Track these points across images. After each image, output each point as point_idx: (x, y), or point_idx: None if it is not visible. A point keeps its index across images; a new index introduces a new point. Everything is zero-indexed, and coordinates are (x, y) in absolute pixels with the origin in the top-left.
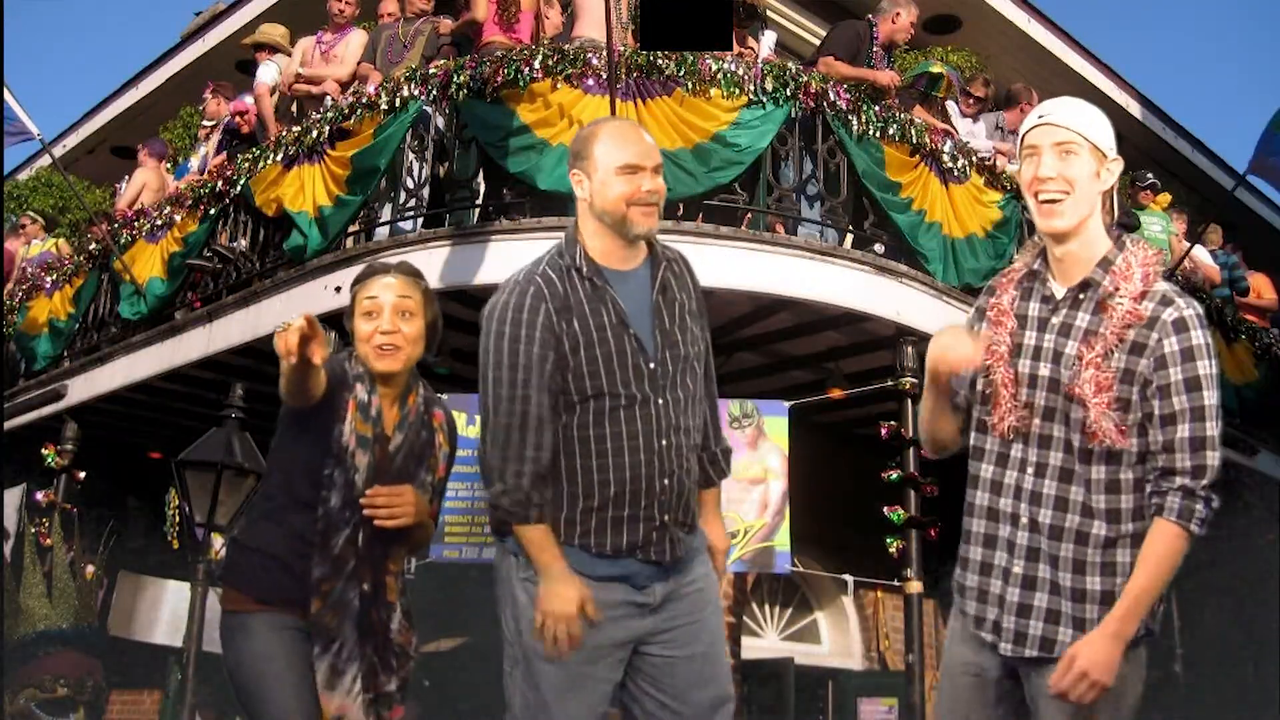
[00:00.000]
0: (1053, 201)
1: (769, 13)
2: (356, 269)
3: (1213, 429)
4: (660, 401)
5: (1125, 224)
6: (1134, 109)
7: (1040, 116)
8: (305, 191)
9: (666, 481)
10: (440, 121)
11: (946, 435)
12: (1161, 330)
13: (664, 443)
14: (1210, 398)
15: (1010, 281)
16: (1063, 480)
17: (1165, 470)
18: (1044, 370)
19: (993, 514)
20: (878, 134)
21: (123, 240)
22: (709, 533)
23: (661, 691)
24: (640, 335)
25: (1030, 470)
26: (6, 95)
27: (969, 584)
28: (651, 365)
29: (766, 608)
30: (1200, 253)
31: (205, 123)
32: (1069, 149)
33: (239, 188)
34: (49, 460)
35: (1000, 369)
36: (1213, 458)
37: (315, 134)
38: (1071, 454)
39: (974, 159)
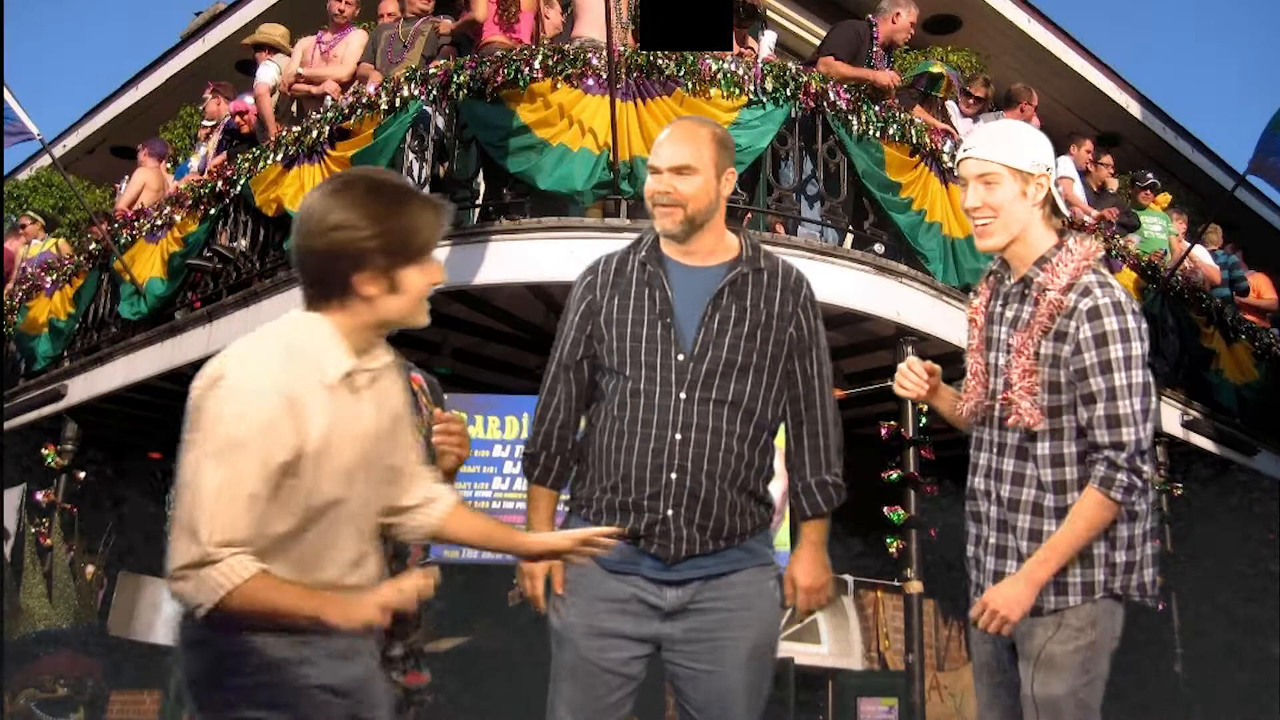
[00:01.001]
0: (983, 225)
1: (769, 13)
2: None
3: (1127, 407)
4: (683, 396)
5: (1125, 224)
6: (1134, 109)
7: (963, 150)
8: (305, 191)
9: (674, 475)
10: (440, 121)
11: (961, 426)
12: (1078, 318)
13: (678, 437)
14: (1124, 378)
15: (984, 282)
16: (1019, 458)
17: (1091, 445)
18: (1000, 359)
19: (974, 492)
20: (878, 134)
21: (123, 240)
22: (793, 565)
23: (688, 702)
24: (681, 327)
25: (994, 450)
26: (6, 95)
27: (968, 554)
28: (681, 357)
29: None
30: (1200, 253)
31: (205, 123)
32: (988, 179)
33: (239, 188)
34: (49, 460)
35: (973, 361)
36: (1130, 433)
37: (315, 134)
38: (1021, 433)
39: None
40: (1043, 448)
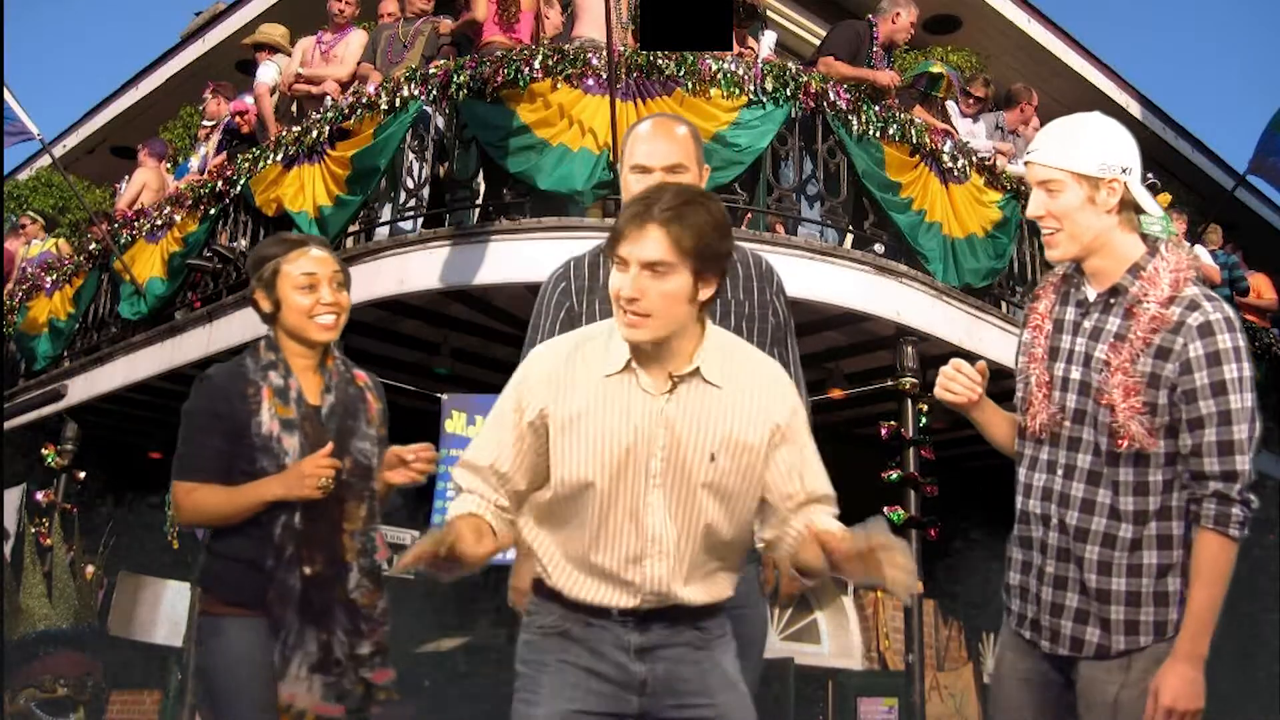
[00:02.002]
0: (1048, 235)
1: (769, 13)
2: (358, 269)
3: (1241, 432)
4: None
5: None
6: (1134, 109)
7: (1027, 153)
8: (305, 191)
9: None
10: (440, 121)
11: (1004, 446)
12: (1187, 335)
13: None
14: (1237, 401)
15: (1050, 286)
16: (1090, 483)
17: (1196, 474)
18: (1075, 373)
19: (1028, 516)
20: (878, 134)
21: (123, 240)
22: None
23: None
24: None
25: (1060, 472)
26: (6, 95)
27: (1012, 583)
28: None
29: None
30: (1200, 253)
31: (205, 123)
32: (1051, 187)
33: (239, 188)
34: (49, 460)
35: (1036, 371)
36: (1242, 461)
37: (315, 134)
38: (1100, 456)
39: (974, 159)
40: (1126, 474)
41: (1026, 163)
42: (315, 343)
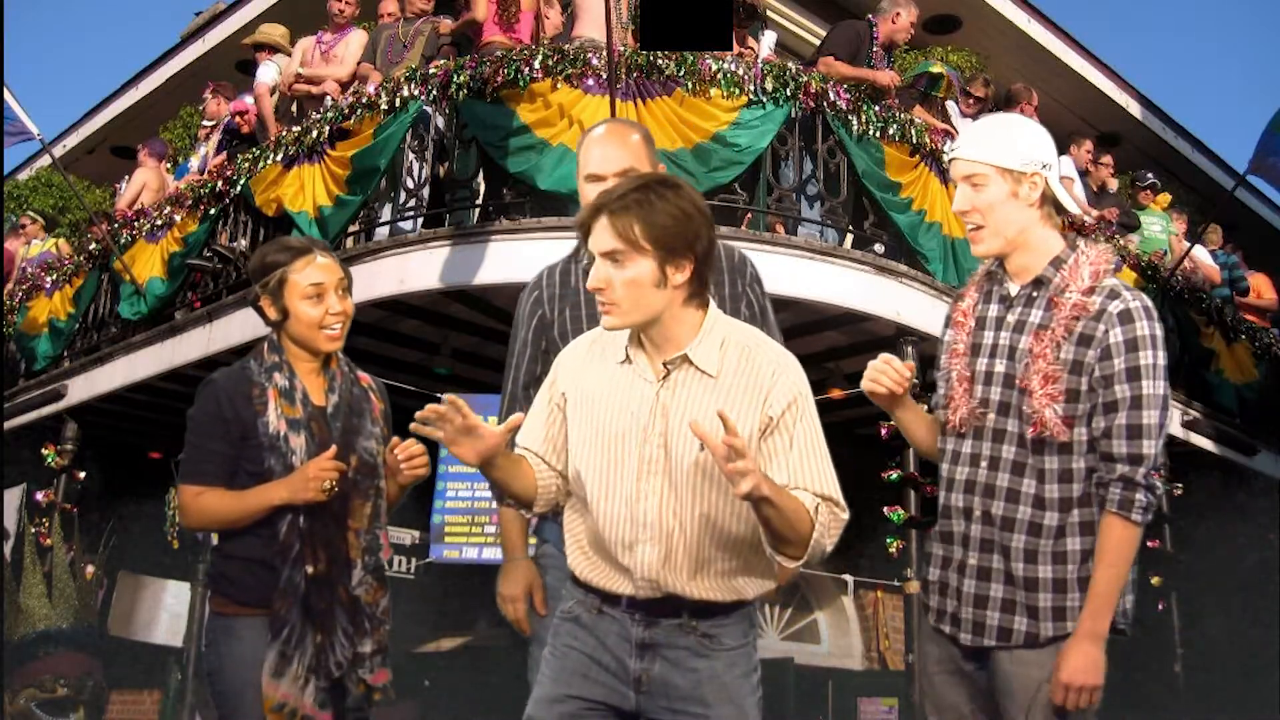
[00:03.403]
0: (973, 230)
1: (769, 13)
2: (358, 269)
3: (1151, 418)
4: None
5: (1125, 224)
6: (1134, 109)
7: (950, 150)
8: (305, 191)
9: None
10: (440, 121)
11: (925, 445)
12: (1107, 321)
13: None
14: (1150, 387)
15: (973, 285)
16: (1014, 473)
17: (1104, 456)
18: (999, 366)
19: (949, 510)
20: (878, 134)
21: (123, 240)
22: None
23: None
24: None
25: (984, 464)
26: (6, 95)
27: (931, 579)
28: None
29: (766, 608)
30: (1200, 253)
31: (205, 123)
32: (975, 181)
33: (239, 188)
34: (49, 460)
35: (958, 367)
36: (1149, 446)
37: (315, 134)
38: (1025, 447)
39: None
40: (1050, 462)
41: (951, 160)
42: (322, 352)
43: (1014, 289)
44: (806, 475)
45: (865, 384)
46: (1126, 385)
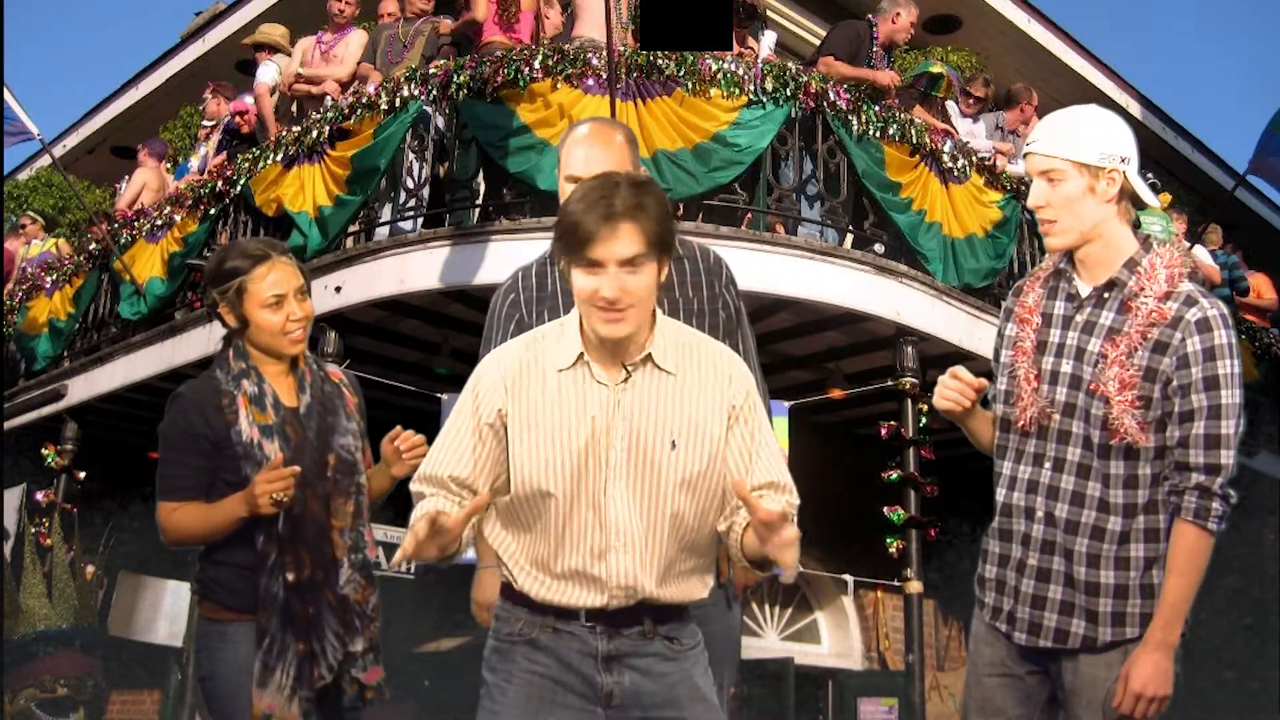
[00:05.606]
0: (1047, 225)
1: (769, 13)
2: (358, 269)
3: (1228, 428)
4: None
5: None
6: (1134, 109)
7: (1027, 144)
8: (305, 191)
9: None
10: (440, 121)
11: (989, 446)
12: (1185, 330)
13: None
14: (1228, 397)
15: (1037, 280)
16: (1080, 475)
17: (1180, 465)
18: (1066, 366)
19: (1010, 509)
20: (878, 134)
21: (123, 240)
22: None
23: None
24: None
25: (1048, 465)
26: (6, 95)
27: (988, 576)
28: None
29: (766, 608)
30: (1200, 253)
31: (205, 123)
32: (1052, 176)
33: (239, 188)
34: (49, 460)
35: (1024, 365)
36: (1227, 456)
37: (315, 134)
38: (1090, 450)
39: (974, 159)
40: (1117, 467)
41: (1027, 153)
42: (287, 355)
43: (1084, 289)
44: (771, 466)
45: (941, 403)
46: (1204, 394)
